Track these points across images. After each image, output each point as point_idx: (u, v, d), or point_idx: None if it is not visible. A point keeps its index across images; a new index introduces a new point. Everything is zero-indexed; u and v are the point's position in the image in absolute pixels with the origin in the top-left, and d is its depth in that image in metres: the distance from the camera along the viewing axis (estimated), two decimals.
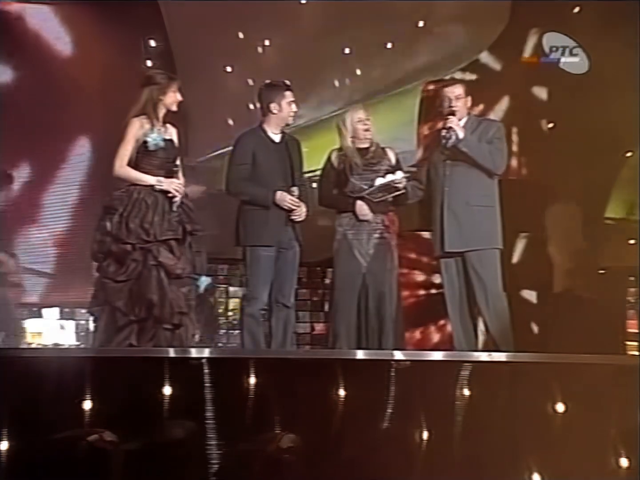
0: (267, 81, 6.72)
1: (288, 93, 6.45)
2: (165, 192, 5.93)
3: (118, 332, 5.78)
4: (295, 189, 6.43)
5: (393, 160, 6.69)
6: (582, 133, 8.18)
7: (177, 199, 5.95)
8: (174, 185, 5.94)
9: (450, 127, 6.47)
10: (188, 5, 8.38)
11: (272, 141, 6.47)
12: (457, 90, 6.59)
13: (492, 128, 6.63)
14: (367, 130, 6.62)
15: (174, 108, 6.08)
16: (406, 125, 7.87)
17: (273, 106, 6.43)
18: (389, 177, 6.52)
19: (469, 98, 6.61)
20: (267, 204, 6.33)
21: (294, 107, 6.47)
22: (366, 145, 6.65)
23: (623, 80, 8.00)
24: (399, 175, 6.53)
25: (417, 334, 8.51)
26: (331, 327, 6.69)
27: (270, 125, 6.46)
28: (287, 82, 6.53)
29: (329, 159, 6.73)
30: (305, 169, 7.32)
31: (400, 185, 6.52)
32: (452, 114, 6.49)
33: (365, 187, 6.52)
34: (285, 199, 6.36)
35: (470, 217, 6.42)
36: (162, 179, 5.93)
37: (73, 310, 8.42)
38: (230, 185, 6.48)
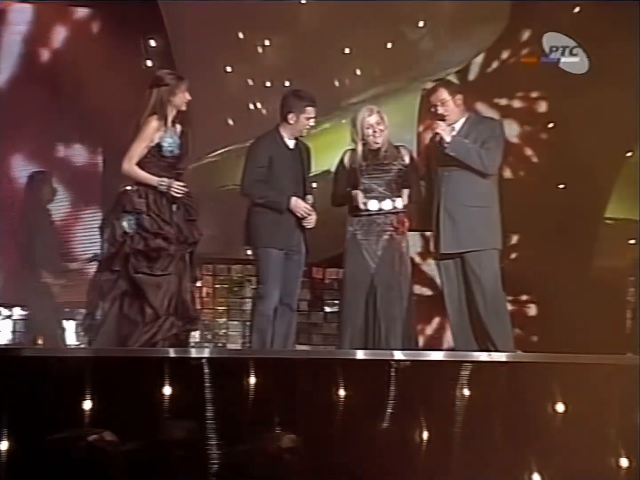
0: (297, 89, 6.73)
1: (310, 109, 6.49)
2: (166, 193, 5.93)
3: (145, 327, 5.79)
4: (310, 197, 6.50)
5: (407, 159, 6.67)
6: (582, 133, 8.17)
7: (178, 201, 5.95)
8: (175, 187, 5.93)
9: (437, 133, 6.48)
10: (188, 5, 8.38)
11: (287, 147, 6.52)
12: (441, 94, 6.53)
13: (488, 127, 6.59)
14: (376, 136, 6.58)
15: (184, 108, 6.08)
16: (406, 125, 7.88)
17: (290, 117, 6.47)
18: (386, 205, 6.53)
19: (459, 97, 6.54)
20: (282, 209, 6.40)
21: (311, 122, 6.51)
22: (378, 147, 6.63)
23: (623, 81, 8.00)
24: (399, 203, 6.54)
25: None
26: (339, 327, 6.70)
27: (285, 131, 6.51)
28: (313, 97, 6.54)
29: (341, 159, 6.72)
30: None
31: (398, 209, 6.54)
32: (442, 119, 6.48)
33: (375, 190, 6.53)
34: (300, 206, 6.43)
35: (466, 218, 6.39)
36: (164, 180, 5.92)
37: (73, 310, 8.40)
38: (246, 186, 6.53)
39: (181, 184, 5.96)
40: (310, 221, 6.50)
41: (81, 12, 8.71)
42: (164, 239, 5.84)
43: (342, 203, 6.71)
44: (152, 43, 8.62)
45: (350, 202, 6.60)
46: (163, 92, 5.99)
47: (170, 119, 6.00)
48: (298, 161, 6.56)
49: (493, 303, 6.38)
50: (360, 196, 6.51)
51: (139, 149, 5.93)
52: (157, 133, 5.94)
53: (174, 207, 5.94)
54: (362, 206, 6.51)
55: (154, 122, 5.95)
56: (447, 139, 6.40)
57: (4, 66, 8.47)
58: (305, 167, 6.60)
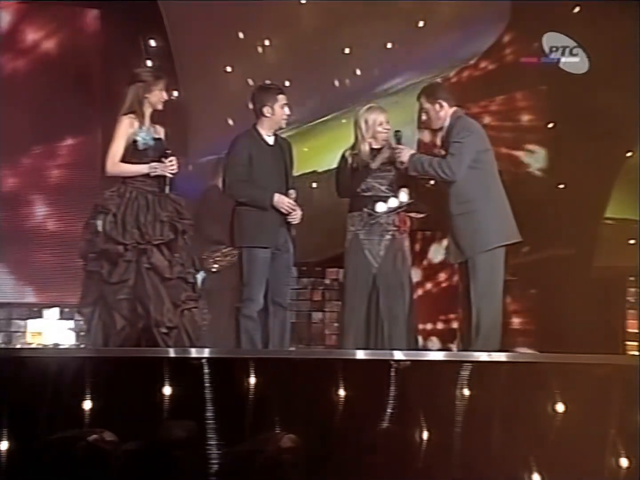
0: (262, 83, 6.73)
1: (281, 96, 6.45)
2: (158, 181, 5.94)
3: (117, 334, 5.78)
4: (292, 192, 6.46)
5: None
6: (582, 133, 8.17)
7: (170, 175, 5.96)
8: (168, 167, 5.94)
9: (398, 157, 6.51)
10: (188, 5, 8.38)
11: (267, 144, 6.48)
12: (422, 103, 6.51)
13: (457, 129, 6.48)
14: (386, 134, 6.61)
15: (160, 107, 6.08)
16: (406, 125, 7.85)
17: (266, 110, 6.43)
18: (392, 203, 6.53)
19: (439, 103, 6.47)
20: (265, 206, 6.35)
21: (287, 110, 6.48)
22: (380, 146, 6.64)
23: (623, 80, 8.00)
24: (404, 197, 6.55)
25: None
26: (341, 327, 6.70)
27: (263, 127, 6.47)
28: (280, 85, 6.52)
29: (343, 157, 6.70)
30: (306, 169, 7.32)
31: (405, 203, 6.55)
32: (425, 126, 6.50)
33: (378, 190, 6.54)
34: (283, 201, 6.38)
35: (457, 228, 6.40)
36: (155, 164, 5.95)
37: (73, 310, 8.40)
38: (228, 186, 6.48)
39: (169, 161, 5.97)
40: (295, 217, 6.44)
41: (81, 12, 8.71)
42: (122, 246, 5.84)
43: (349, 195, 6.67)
44: (152, 43, 8.62)
45: (357, 204, 6.59)
46: (139, 89, 6.00)
47: (147, 116, 6.02)
48: (279, 157, 6.50)
49: (484, 302, 6.35)
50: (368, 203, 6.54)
51: (117, 149, 5.97)
52: (130, 130, 5.97)
53: (167, 188, 5.95)
54: (370, 212, 6.51)
55: (125, 120, 5.99)
56: (404, 160, 6.43)
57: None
58: (287, 163, 6.53)
